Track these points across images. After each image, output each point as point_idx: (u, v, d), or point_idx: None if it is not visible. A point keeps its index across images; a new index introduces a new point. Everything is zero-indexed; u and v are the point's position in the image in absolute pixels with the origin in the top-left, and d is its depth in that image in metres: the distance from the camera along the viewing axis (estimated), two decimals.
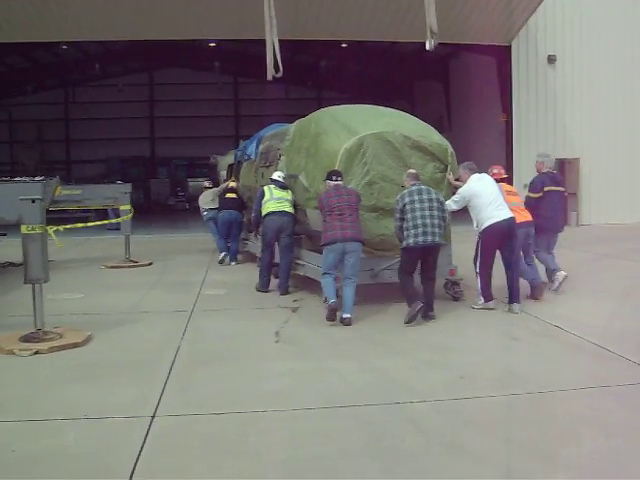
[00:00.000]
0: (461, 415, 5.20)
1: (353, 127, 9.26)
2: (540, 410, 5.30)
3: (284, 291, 10.15)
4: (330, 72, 36.79)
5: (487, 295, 8.69)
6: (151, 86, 42.18)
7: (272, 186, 10.41)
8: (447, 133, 33.01)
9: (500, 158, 26.70)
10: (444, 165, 9.30)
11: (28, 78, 38.27)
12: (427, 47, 9.25)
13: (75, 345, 7.22)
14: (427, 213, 7.99)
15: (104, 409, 5.35)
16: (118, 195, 13.74)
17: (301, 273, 10.25)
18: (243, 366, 6.46)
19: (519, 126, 23.52)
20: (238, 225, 13.66)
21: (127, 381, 6.09)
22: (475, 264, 8.86)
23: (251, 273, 12.17)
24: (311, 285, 9.99)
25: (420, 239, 7.96)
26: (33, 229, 7.14)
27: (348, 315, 8.04)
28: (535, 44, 23.52)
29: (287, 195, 10.32)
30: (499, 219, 8.48)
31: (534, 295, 9.33)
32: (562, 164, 23.76)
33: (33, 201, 7.13)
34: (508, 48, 23.49)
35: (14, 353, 6.93)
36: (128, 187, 14.04)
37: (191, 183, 37.43)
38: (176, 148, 40.88)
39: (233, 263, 13.73)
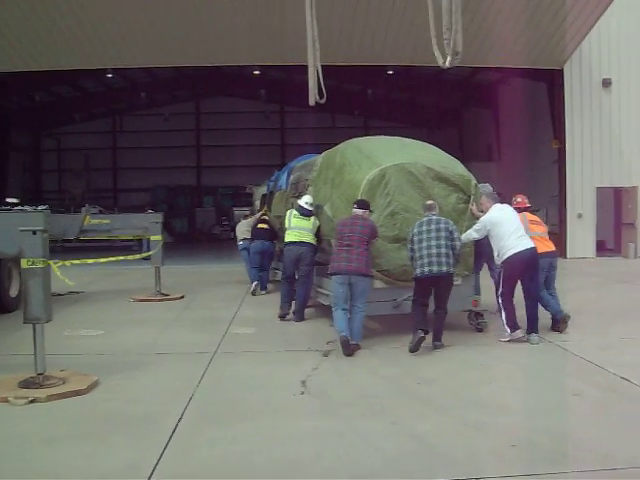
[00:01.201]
0: None
1: (376, 158, 9.32)
2: None
3: (299, 318, 10.39)
4: (377, 100, 36.16)
5: (512, 325, 8.60)
6: (197, 115, 42.21)
7: (294, 212, 10.55)
8: (496, 161, 32.55)
9: (552, 186, 25.67)
10: (467, 196, 9.27)
11: (76, 107, 38.61)
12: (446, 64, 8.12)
13: (77, 393, 6.48)
14: (434, 243, 8.06)
15: (92, 474, 4.57)
16: (148, 225, 13.12)
17: (325, 302, 9.78)
18: (259, 424, 5.59)
19: (572, 153, 22.41)
20: (269, 255, 13.67)
21: (125, 440, 5.29)
22: (497, 297, 8.79)
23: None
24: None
25: (426, 269, 8.06)
26: (34, 263, 6.46)
27: (354, 342, 8.12)
28: (589, 67, 22.45)
29: (308, 224, 10.37)
30: (521, 249, 8.47)
31: (557, 328, 9.15)
32: (619, 193, 22.58)
33: (34, 232, 6.46)
34: (560, 72, 22.49)
35: (8, 401, 6.21)
36: (159, 217, 13.43)
37: (236, 212, 36.98)
38: (222, 177, 40.69)
39: (263, 292, 13.73)
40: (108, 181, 41.99)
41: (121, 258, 10.89)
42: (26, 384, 6.57)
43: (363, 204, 8.69)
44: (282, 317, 10.57)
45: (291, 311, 10.60)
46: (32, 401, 6.21)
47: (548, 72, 23.60)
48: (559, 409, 6.02)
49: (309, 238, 10.30)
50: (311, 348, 8.49)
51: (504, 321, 8.64)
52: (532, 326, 8.61)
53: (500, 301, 8.71)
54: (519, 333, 8.56)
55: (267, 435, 5.33)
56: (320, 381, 6.93)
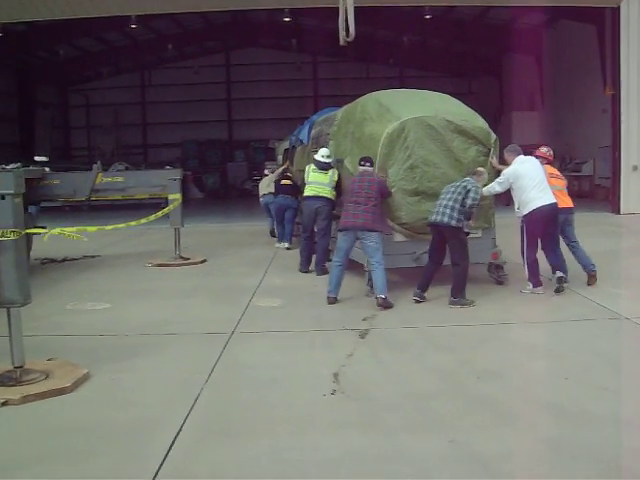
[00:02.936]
0: None
1: (396, 112, 9.26)
2: None
3: (320, 272, 10.26)
4: (413, 48, 34.22)
5: (537, 281, 8.64)
6: (227, 67, 40.72)
7: (312, 167, 10.58)
8: (539, 111, 30.66)
9: (600, 137, 23.89)
10: (487, 149, 9.21)
11: (103, 61, 37.47)
12: None
13: (60, 391, 5.31)
14: (447, 196, 8.21)
15: None
16: (166, 182, 11.86)
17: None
18: (277, 443, 4.33)
19: (627, 100, 20.48)
20: (293, 210, 13.45)
21: (105, 463, 4.12)
22: (522, 253, 8.81)
23: (314, 277, 10.42)
24: (389, 292, 8.25)
25: (432, 217, 8.29)
26: (3, 235, 5.25)
27: (381, 295, 8.06)
28: None
29: (326, 179, 10.39)
30: (543, 203, 8.47)
31: (590, 282, 9.10)
32: None
33: (3, 197, 5.24)
34: (616, 10, 20.43)
35: None
36: (178, 173, 12.14)
37: (268, 166, 35.76)
38: (253, 130, 39.43)
39: (286, 244, 13.71)
40: (138, 137, 41.00)
41: (133, 223, 9.70)
42: (1, 380, 5.44)
43: (367, 160, 8.84)
44: (303, 270, 10.82)
45: (311, 267, 10.76)
46: (3, 404, 5.06)
47: (599, 12, 21.70)
48: None
49: (326, 192, 10.36)
50: (345, 327, 7.23)
51: (527, 275, 8.68)
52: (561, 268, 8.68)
53: (524, 256, 8.74)
54: (540, 290, 8.60)
55: (286, 460, 4.07)
56: (356, 373, 5.66)
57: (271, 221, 15.28)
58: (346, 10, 9.30)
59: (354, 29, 8.58)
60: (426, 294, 8.39)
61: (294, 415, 4.81)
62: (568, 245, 9.18)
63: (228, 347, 6.58)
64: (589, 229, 15.80)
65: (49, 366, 5.81)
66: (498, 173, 9.09)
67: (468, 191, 8.16)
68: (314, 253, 10.77)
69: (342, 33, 9.14)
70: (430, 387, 5.33)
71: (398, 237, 9.08)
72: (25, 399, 5.15)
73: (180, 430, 4.54)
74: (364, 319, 7.53)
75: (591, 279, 9.06)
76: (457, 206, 8.12)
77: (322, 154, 10.49)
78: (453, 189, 8.24)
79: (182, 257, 12.23)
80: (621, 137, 20.60)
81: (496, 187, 8.81)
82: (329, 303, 8.35)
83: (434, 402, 4.98)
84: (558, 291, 8.52)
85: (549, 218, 8.59)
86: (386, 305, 7.99)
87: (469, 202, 8.13)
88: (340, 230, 8.57)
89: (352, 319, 7.55)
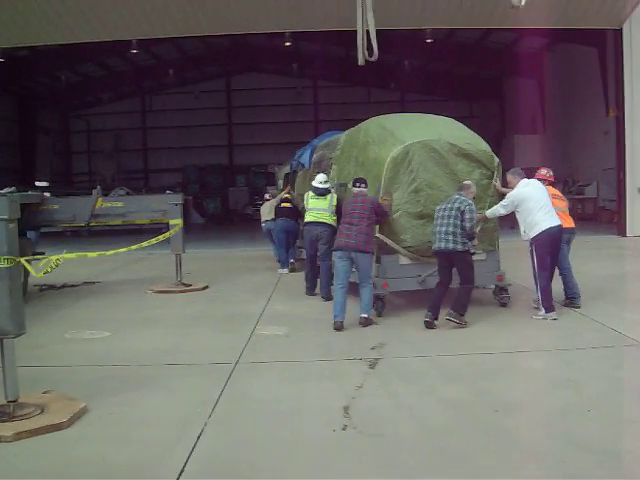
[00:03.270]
0: None
1: (400, 136, 9.29)
2: None
3: (326, 296, 10.15)
4: (414, 72, 34.18)
5: (549, 306, 8.47)
6: (228, 92, 40.83)
7: (311, 194, 10.58)
8: (540, 134, 30.56)
9: (603, 159, 23.73)
10: (490, 172, 9.30)
11: (104, 87, 37.52)
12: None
13: (56, 427, 5.01)
14: (444, 222, 8.21)
15: None
16: (167, 207, 11.63)
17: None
18: None
19: (632, 121, 20.32)
20: (294, 233, 13.52)
21: None
22: (535, 278, 8.61)
23: (319, 303, 10.19)
24: (396, 317, 8.67)
25: (435, 245, 8.34)
26: None
27: (364, 315, 8.33)
28: None
29: (325, 204, 10.38)
30: (550, 225, 8.49)
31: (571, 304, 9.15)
32: None
33: None
34: (618, 33, 20.36)
35: None
36: (179, 197, 11.91)
37: (270, 191, 35.58)
38: (254, 155, 39.49)
39: (286, 270, 13.70)
40: (139, 162, 41.03)
41: (135, 247, 9.43)
42: None
43: (361, 181, 8.97)
44: (309, 294, 10.83)
45: (316, 291, 10.75)
46: None
47: (600, 35, 21.67)
48: None
49: (326, 217, 10.34)
50: (353, 356, 6.95)
51: (540, 300, 8.52)
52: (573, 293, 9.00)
53: (537, 280, 8.55)
54: (553, 315, 8.43)
55: None
56: (367, 407, 5.36)
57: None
58: (367, 24, 8.85)
59: (377, 48, 8.45)
60: (436, 321, 8.20)
61: (304, 454, 4.51)
62: (563, 265, 9.18)
63: (232, 379, 6.28)
64: (596, 252, 15.60)
65: (45, 399, 5.52)
66: (502, 196, 9.11)
67: (462, 212, 8.16)
68: (318, 277, 10.70)
69: (361, 52, 8.86)
70: (446, 422, 5.01)
71: (403, 260, 9.11)
72: (18, 436, 4.85)
73: (182, 472, 4.23)
74: (372, 348, 7.24)
75: (573, 304, 9.11)
76: (458, 231, 8.14)
77: (319, 180, 10.51)
78: (447, 213, 8.23)
79: (184, 283, 11.97)
80: (626, 159, 20.42)
81: (500, 210, 8.80)
82: (335, 328, 8.19)
83: (452, 439, 4.67)
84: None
85: (555, 240, 8.62)
86: (367, 324, 8.28)
87: (467, 225, 8.15)
88: (334, 250, 8.73)
89: (360, 348, 7.26)
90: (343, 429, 4.87)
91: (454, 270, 8.33)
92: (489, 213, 8.87)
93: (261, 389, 5.99)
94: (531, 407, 5.34)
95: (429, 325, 8.12)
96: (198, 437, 4.81)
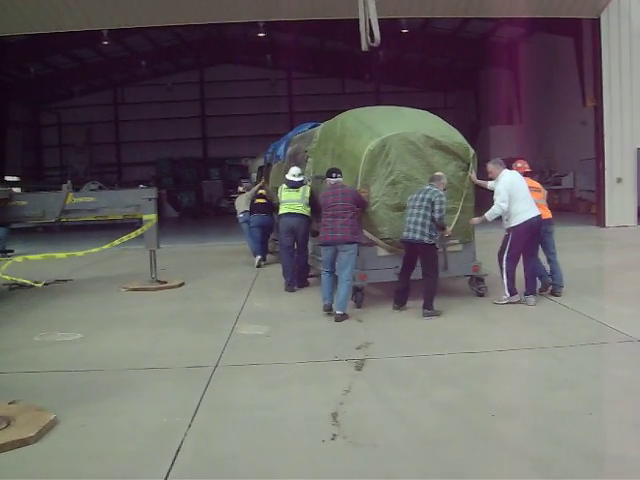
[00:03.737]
0: None
1: (376, 128, 9.33)
2: None
3: (301, 285, 10.72)
4: (390, 63, 33.94)
5: (513, 289, 8.78)
6: (202, 84, 40.35)
7: (284, 186, 10.64)
8: (517, 124, 30.50)
9: (580, 150, 23.68)
10: (466, 164, 9.33)
11: (75, 79, 36.83)
12: None
13: (23, 442, 4.64)
14: (414, 212, 8.37)
15: None
16: (140, 202, 11.21)
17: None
18: None
19: (610, 111, 20.26)
20: (269, 228, 13.68)
21: None
22: (500, 258, 8.83)
23: (300, 299, 9.90)
24: (376, 310, 8.72)
25: (403, 234, 8.50)
26: None
27: (339, 312, 8.31)
28: (628, 15, 20.21)
29: (297, 196, 10.42)
30: (530, 216, 8.68)
31: (553, 292, 9.32)
32: None
33: None
34: (595, 22, 20.27)
35: None
36: (152, 192, 11.48)
37: (244, 184, 35.16)
38: (228, 148, 39.06)
39: (259, 256, 13.69)
40: (111, 155, 40.45)
41: (107, 246, 9.04)
42: None
43: (337, 171, 9.04)
44: (289, 290, 10.67)
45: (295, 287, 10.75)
46: None
47: (576, 24, 21.58)
48: None
49: (300, 208, 10.37)
50: (339, 357, 6.64)
51: (505, 284, 8.77)
52: (531, 288, 8.86)
53: (504, 265, 8.77)
54: (516, 298, 8.76)
55: None
56: (357, 413, 5.05)
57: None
58: (366, 9, 9.17)
59: (379, 34, 8.65)
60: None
61: (291, 466, 4.21)
62: (548, 255, 9.35)
63: (212, 384, 5.95)
64: (576, 243, 15.47)
65: (11, 411, 5.15)
66: (477, 188, 9.37)
67: (433, 203, 8.28)
68: (295, 269, 10.80)
69: (364, 38, 9.05)
70: (442, 428, 4.73)
71: (381, 252, 9.21)
72: None
73: None
74: (358, 347, 6.95)
75: (555, 293, 9.28)
76: (427, 222, 8.28)
77: (293, 173, 10.60)
78: (418, 203, 8.37)
79: (159, 280, 11.57)
80: (604, 149, 20.35)
81: (501, 205, 8.71)
82: (325, 310, 8.48)
83: (450, 447, 4.39)
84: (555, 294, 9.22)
85: (534, 231, 8.81)
86: (341, 320, 8.24)
87: (437, 215, 8.29)
88: (320, 245, 8.84)
89: (345, 348, 6.97)
90: (332, 439, 4.57)
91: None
92: (489, 215, 8.84)
93: (242, 395, 5.66)
94: (528, 410, 5.07)
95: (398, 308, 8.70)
96: (177, 450, 4.48)
